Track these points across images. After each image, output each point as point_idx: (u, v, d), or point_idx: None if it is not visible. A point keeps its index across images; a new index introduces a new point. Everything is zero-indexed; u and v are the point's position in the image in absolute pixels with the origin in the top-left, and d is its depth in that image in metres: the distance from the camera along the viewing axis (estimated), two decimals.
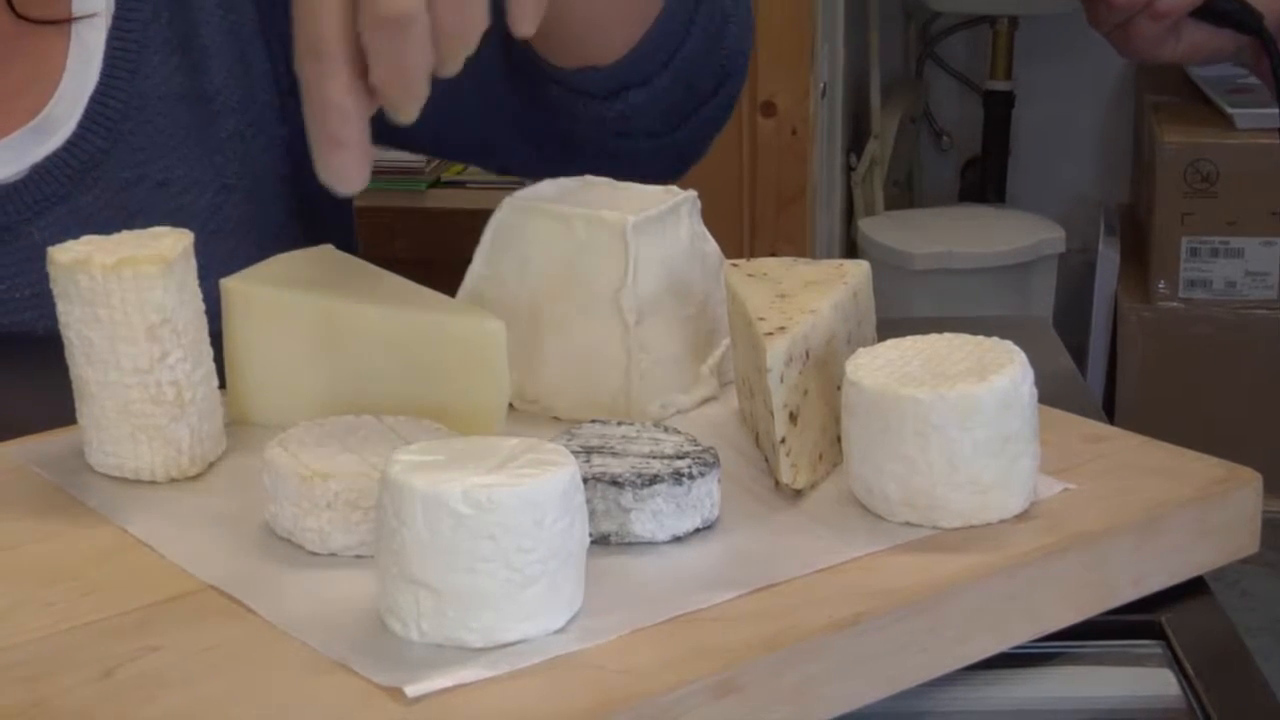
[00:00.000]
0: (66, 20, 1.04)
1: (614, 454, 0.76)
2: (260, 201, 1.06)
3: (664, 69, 1.06)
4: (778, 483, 0.79)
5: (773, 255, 0.95)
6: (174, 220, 1.01)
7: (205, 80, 1.04)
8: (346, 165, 0.76)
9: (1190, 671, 0.74)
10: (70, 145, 1.02)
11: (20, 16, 1.03)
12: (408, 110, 0.77)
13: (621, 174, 1.01)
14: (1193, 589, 0.79)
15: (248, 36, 1.05)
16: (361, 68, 0.76)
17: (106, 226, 1.00)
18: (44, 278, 0.98)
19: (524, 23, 0.78)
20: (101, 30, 1.04)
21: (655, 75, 1.06)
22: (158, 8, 1.04)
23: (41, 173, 1.02)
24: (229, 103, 1.05)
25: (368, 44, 0.75)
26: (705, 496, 0.75)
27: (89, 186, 1.02)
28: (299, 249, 0.91)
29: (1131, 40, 1.05)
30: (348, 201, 1.14)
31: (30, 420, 0.88)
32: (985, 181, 3.37)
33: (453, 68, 0.76)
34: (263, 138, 1.06)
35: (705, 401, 0.90)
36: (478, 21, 0.76)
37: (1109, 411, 2.75)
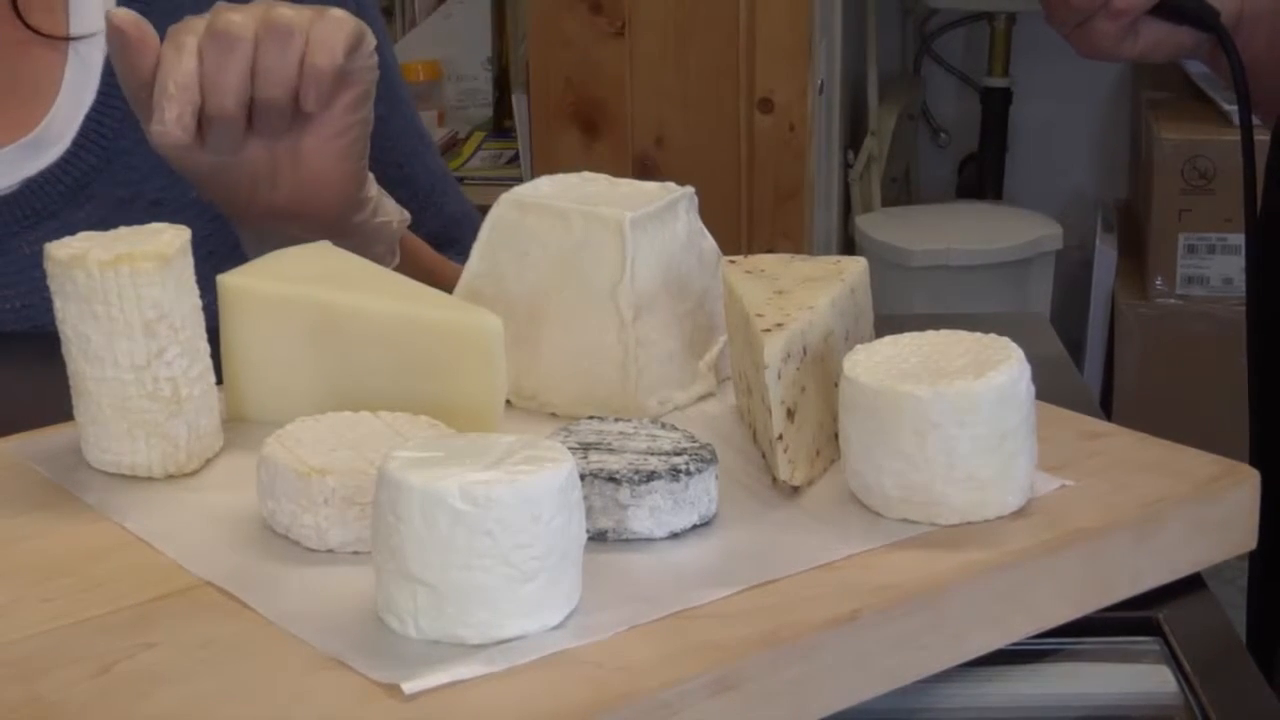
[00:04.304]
0: (66, 38, 1.04)
1: (611, 450, 0.76)
2: None
3: None
4: (775, 479, 0.79)
5: (770, 252, 0.95)
6: None
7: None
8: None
9: (1187, 668, 0.74)
10: (64, 161, 1.03)
11: (27, 26, 1.03)
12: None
13: None
14: (1190, 586, 0.79)
15: None
16: None
17: None
18: (32, 290, 0.98)
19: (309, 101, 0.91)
20: (100, 49, 1.04)
21: None
22: (157, 30, 1.04)
23: (34, 187, 1.02)
24: None
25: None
26: (702, 493, 0.75)
27: (81, 203, 1.03)
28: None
29: (1091, 40, 1.05)
30: None
31: (28, 417, 0.88)
32: (983, 178, 3.37)
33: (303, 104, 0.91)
34: None
35: (703, 398, 0.90)
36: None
37: (1106, 408, 2.75)
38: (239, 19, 0.90)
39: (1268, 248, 1.07)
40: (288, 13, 0.91)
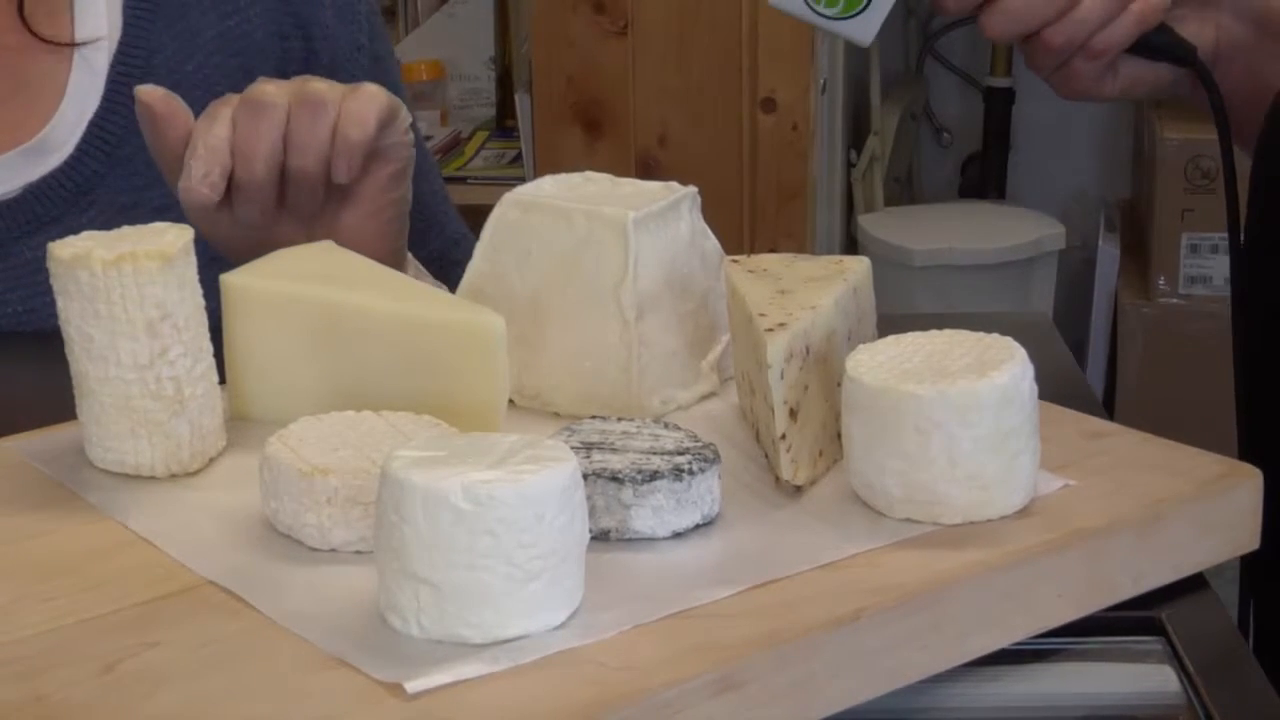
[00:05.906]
0: (71, 44, 1.04)
1: (614, 450, 0.76)
2: None
3: None
4: (778, 479, 0.79)
5: (773, 251, 0.95)
6: None
7: None
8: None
9: (1190, 668, 0.74)
10: (67, 167, 1.03)
11: (32, 33, 1.03)
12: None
13: None
14: (1193, 585, 0.79)
15: (240, 83, 1.06)
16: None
17: None
18: (34, 293, 0.98)
19: (341, 173, 0.92)
20: (105, 54, 1.04)
21: None
22: (162, 40, 1.04)
23: (36, 193, 1.03)
24: None
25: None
26: (705, 492, 0.75)
27: (84, 209, 1.03)
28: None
29: (1071, 81, 1.06)
30: None
31: (31, 416, 0.88)
32: (985, 178, 3.37)
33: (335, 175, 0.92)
34: None
35: (705, 397, 0.90)
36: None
37: (1109, 408, 2.75)
38: (272, 89, 0.91)
39: (1254, 258, 1.06)
40: (321, 86, 0.92)
